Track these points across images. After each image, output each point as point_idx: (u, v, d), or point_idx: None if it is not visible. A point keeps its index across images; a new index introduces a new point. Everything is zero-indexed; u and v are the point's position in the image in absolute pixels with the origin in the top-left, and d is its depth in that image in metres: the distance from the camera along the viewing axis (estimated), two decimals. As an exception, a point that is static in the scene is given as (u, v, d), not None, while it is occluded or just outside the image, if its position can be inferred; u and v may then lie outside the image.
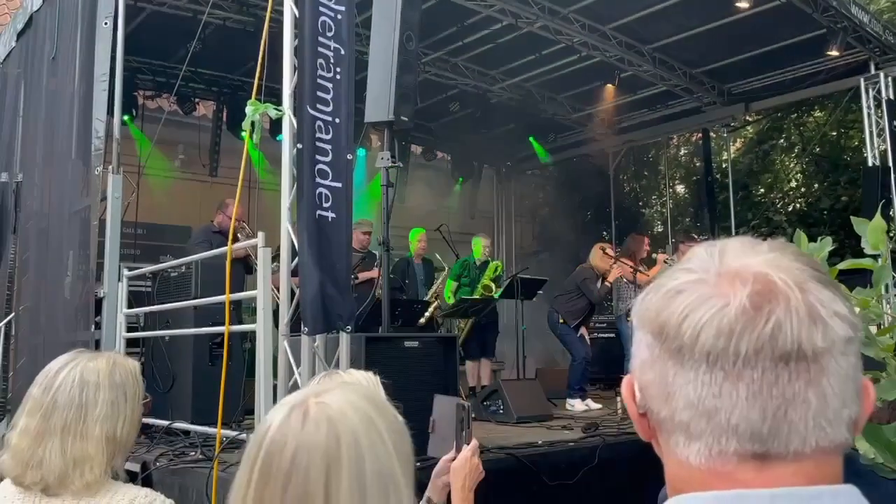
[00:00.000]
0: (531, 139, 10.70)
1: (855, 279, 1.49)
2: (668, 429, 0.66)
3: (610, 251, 7.31)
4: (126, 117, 7.80)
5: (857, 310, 1.42)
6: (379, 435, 0.90)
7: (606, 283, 7.17)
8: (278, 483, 0.86)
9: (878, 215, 1.43)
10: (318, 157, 3.67)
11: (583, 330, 7.29)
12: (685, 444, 0.64)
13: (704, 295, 0.63)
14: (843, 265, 1.44)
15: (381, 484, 0.88)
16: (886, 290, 7.39)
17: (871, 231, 1.43)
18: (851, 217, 1.49)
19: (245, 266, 6.11)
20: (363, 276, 6.86)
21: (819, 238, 1.50)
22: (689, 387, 0.63)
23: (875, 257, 1.45)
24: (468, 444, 2.06)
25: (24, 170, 6.72)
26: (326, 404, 0.91)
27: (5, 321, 6.32)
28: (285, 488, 0.86)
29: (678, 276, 0.67)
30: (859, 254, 1.47)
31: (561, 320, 7.06)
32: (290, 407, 0.91)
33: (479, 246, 8.07)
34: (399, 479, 0.91)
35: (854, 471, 0.67)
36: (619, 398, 6.26)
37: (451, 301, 7.73)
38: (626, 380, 0.71)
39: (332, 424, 0.88)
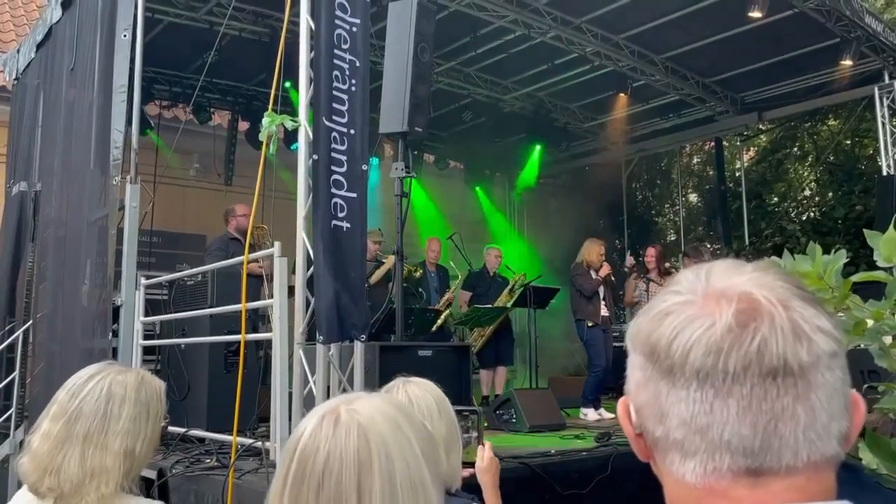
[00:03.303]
0: (537, 148, 10.71)
1: (870, 291, 1.50)
2: (664, 448, 0.67)
3: (599, 245, 7.34)
4: (147, 130, 7.91)
5: (871, 322, 1.44)
6: (408, 441, 0.93)
7: (599, 277, 7.18)
8: (312, 487, 0.89)
9: (891, 228, 1.44)
10: (333, 167, 3.71)
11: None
12: (681, 461, 0.65)
13: (692, 315, 0.65)
14: (856, 277, 1.45)
15: (412, 489, 0.91)
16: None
17: (884, 243, 1.44)
18: (865, 230, 1.50)
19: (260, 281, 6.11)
20: (378, 273, 6.91)
21: (833, 249, 1.51)
22: (682, 405, 0.65)
23: (889, 270, 1.46)
24: (481, 445, 2.13)
25: (42, 179, 6.82)
26: (356, 411, 0.94)
27: (24, 328, 6.40)
28: (318, 492, 0.89)
29: (667, 298, 0.69)
30: (875, 264, 1.47)
31: (589, 324, 7.06)
32: (321, 414, 0.95)
33: (491, 256, 8.12)
34: (428, 485, 0.93)
35: (858, 480, 0.68)
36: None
37: (464, 310, 7.75)
38: (621, 401, 0.73)
39: (362, 430, 0.91)
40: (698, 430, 0.64)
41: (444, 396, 1.91)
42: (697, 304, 0.66)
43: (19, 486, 1.66)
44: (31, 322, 6.41)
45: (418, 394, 1.86)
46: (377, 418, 0.93)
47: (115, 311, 5.00)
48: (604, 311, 7.20)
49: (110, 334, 4.96)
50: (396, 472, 0.90)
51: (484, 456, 2.20)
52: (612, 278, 7.48)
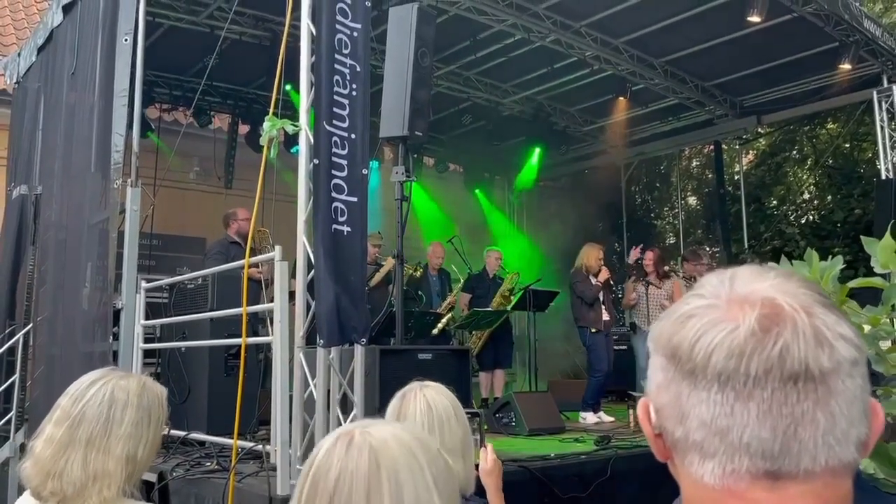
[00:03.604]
0: (538, 150, 10.75)
1: (867, 296, 1.51)
2: (683, 448, 0.68)
3: (597, 250, 7.36)
4: (148, 133, 7.93)
5: (868, 327, 1.45)
6: (420, 468, 0.95)
7: (599, 282, 7.21)
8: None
9: (888, 234, 1.45)
10: (334, 172, 3.73)
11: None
12: (699, 463, 0.66)
13: (715, 319, 0.66)
14: (853, 283, 1.47)
15: None
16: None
17: (881, 250, 1.45)
18: (862, 237, 1.52)
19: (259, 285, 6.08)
20: (378, 276, 6.92)
21: (830, 254, 1.52)
22: (703, 406, 0.65)
23: (885, 275, 1.47)
24: (483, 447, 2.15)
25: (43, 182, 6.82)
26: (370, 434, 0.96)
27: (24, 331, 6.40)
28: None
29: (690, 301, 0.70)
30: (873, 268, 1.48)
31: (592, 330, 7.08)
32: (337, 435, 0.98)
33: (491, 258, 8.15)
34: None
35: (857, 485, 0.69)
36: (631, 411, 6.26)
37: (464, 313, 7.76)
38: (641, 402, 0.74)
39: (373, 452, 0.94)
40: (718, 431, 0.65)
41: (458, 401, 1.92)
42: (721, 309, 0.67)
43: (19, 489, 1.67)
44: (31, 325, 6.41)
45: (436, 398, 1.87)
46: (390, 443, 0.95)
47: (116, 315, 5.00)
48: (605, 316, 7.22)
49: (111, 337, 4.96)
50: (405, 498, 0.92)
51: (487, 458, 2.22)
52: (612, 281, 7.51)
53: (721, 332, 0.65)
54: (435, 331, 7.12)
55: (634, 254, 7.75)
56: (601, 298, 7.23)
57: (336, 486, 0.92)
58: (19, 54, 7.92)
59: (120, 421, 1.59)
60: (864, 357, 0.67)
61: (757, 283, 0.68)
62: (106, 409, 1.59)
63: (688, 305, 0.69)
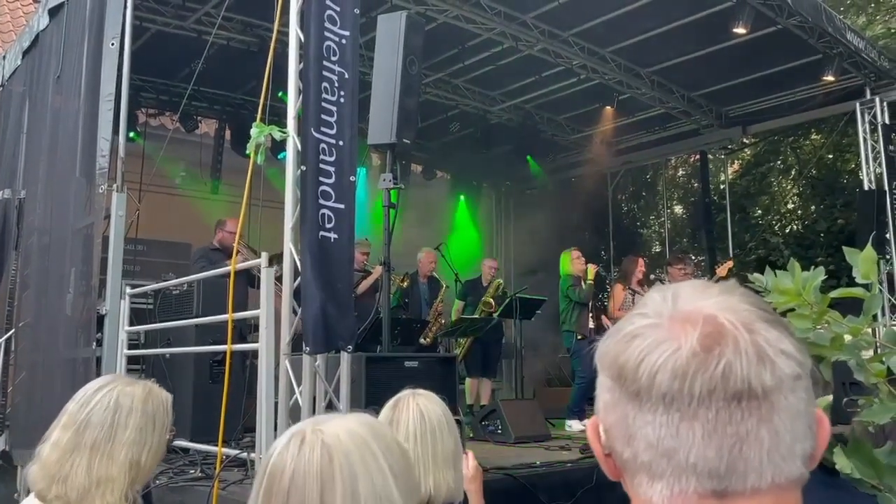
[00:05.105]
0: (528, 158, 10.80)
1: (849, 305, 1.53)
2: (632, 469, 0.67)
3: (577, 253, 7.42)
4: (132, 134, 7.87)
5: (849, 337, 1.47)
6: (374, 457, 0.96)
7: (591, 282, 7.25)
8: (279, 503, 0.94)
9: (868, 246, 1.47)
10: (321, 178, 3.73)
11: None
12: (648, 484, 0.66)
13: (658, 339, 0.66)
14: (835, 294, 1.48)
15: (376, 502, 0.94)
16: (883, 314, 7.39)
17: (862, 261, 1.47)
18: (844, 248, 1.53)
19: (248, 278, 6.01)
20: (365, 283, 6.90)
21: (812, 264, 1.54)
22: (649, 428, 0.65)
23: (867, 286, 1.49)
24: (464, 454, 2.16)
25: (26, 186, 6.76)
26: (322, 431, 0.98)
27: (5, 337, 6.33)
28: None
29: (634, 320, 0.69)
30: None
31: (579, 336, 7.11)
32: (290, 435, 1.00)
33: (486, 267, 8.18)
34: (396, 500, 0.96)
35: (837, 484, 0.69)
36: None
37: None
38: (590, 421, 0.73)
39: (325, 447, 0.95)
40: (665, 453, 0.64)
41: (449, 410, 1.93)
42: (664, 328, 0.66)
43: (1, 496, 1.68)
44: (13, 331, 6.35)
45: (429, 407, 1.88)
46: (342, 437, 0.97)
47: (100, 321, 4.95)
48: (591, 323, 7.26)
49: (94, 344, 4.92)
50: (360, 488, 0.93)
51: (468, 465, 2.22)
52: (602, 273, 7.56)
53: (664, 353, 0.64)
54: (426, 340, 7.11)
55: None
56: (589, 304, 7.27)
57: (291, 485, 0.93)
58: (4, 57, 7.87)
59: (124, 426, 1.62)
60: (807, 371, 0.66)
61: (699, 300, 0.68)
62: (111, 414, 1.62)
63: (632, 325, 0.69)
